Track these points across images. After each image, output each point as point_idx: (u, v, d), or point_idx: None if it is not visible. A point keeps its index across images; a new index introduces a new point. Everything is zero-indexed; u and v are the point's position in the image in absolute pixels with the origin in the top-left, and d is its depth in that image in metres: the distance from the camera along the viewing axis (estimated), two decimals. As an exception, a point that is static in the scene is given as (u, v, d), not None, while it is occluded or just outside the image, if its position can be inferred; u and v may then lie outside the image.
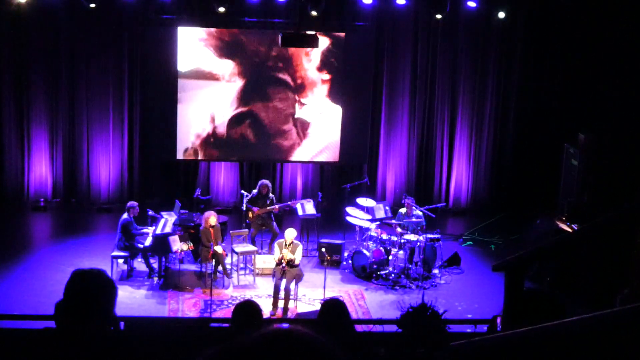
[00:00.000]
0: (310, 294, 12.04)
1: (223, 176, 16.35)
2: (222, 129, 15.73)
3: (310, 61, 15.73)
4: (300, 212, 13.94)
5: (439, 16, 15.07)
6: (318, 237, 13.71)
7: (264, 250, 13.58)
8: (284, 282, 11.43)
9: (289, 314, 11.29)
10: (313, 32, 13.63)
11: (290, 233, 11.69)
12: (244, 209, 13.73)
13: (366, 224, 13.41)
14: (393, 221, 13.45)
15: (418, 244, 12.70)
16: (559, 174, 15.13)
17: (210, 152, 15.83)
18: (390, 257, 12.76)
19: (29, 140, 15.69)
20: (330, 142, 16.00)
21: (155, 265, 12.49)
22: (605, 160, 14.02)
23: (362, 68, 15.99)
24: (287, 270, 11.45)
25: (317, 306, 11.49)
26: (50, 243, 14.24)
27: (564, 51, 16.20)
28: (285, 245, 11.60)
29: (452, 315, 10.47)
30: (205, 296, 11.68)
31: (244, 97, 15.70)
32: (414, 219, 13.24)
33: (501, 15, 15.69)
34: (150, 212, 13.29)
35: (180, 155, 15.75)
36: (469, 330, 9.10)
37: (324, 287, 11.78)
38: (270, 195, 13.73)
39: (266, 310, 11.02)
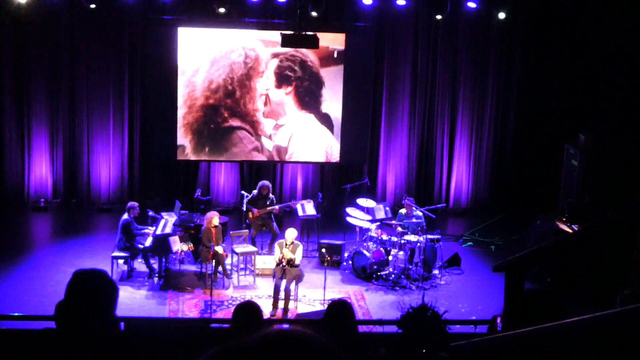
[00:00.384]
0: (310, 295, 12.04)
1: (223, 177, 16.36)
2: (222, 129, 15.72)
3: (310, 61, 15.72)
4: (300, 213, 13.94)
5: (439, 17, 15.08)
6: (318, 237, 13.71)
7: (264, 250, 13.58)
8: (284, 282, 11.43)
9: (289, 315, 11.28)
10: (313, 33, 13.64)
11: (291, 233, 11.69)
12: (244, 209, 13.73)
13: (366, 225, 13.41)
14: (393, 222, 13.45)
15: (418, 244, 12.70)
16: (559, 175, 15.13)
17: (211, 153, 15.82)
18: (391, 258, 12.76)
19: (30, 141, 15.69)
20: (330, 142, 15.99)
21: (156, 266, 12.49)
22: (605, 161, 14.02)
23: (363, 68, 15.99)
24: (287, 270, 11.45)
25: (318, 307, 11.50)
26: (50, 243, 14.24)
27: (564, 51, 16.21)
28: (286, 245, 11.61)
29: (455, 317, 10.50)
30: (206, 297, 11.68)
31: (245, 97, 15.69)
32: (414, 220, 13.24)
33: (501, 15, 15.70)
34: (151, 213, 13.29)
35: (180, 156, 15.75)
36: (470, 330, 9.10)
37: (324, 288, 11.77)
38: (271, 195, 13.73)
39: (266, 310, 11.02)
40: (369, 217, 13.67)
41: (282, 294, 11.42)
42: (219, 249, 12.31)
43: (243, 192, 14.25)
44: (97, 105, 15.77)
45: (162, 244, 12.28)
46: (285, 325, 1.78)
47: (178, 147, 15.61)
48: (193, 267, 12.90)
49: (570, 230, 12.83)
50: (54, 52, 15.48)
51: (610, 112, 15.08)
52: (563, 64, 16.29)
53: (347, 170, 16.47)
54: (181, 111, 15.52)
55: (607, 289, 10.11)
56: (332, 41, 15.64)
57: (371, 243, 13.02)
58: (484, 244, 14.78)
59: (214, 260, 12.27)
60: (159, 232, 12.38)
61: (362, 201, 13.99)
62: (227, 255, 12.59)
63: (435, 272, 13.10)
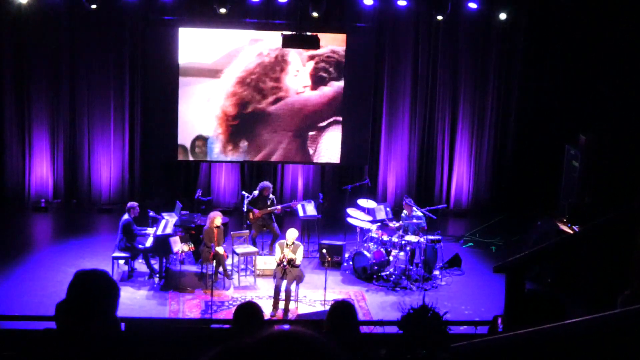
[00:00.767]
0: (311, 295, 12.04)
1: (224, 177, 16.36)
2: (223, 130, 15.74)
3: (311, 62, 15.72)
4: (301, 213, 13.94)
5: (440, 17, 15.07)
6: (319, 238, 13.72)
7: (265, 251, 13.58)
8: (284, 283, 11.43)
9: (290, 315, 11.28)
10: (314, 33, 13.65)
11: (292, 233, 11.69)
12: (245, 210, 13.73)
13: (367, 225, 13.41)
14: (394, 222, 13.45)
15: (419, 245, 12.70)
16: (560, 175, 15.13)
17: (211, 153, 15.83)
18: (391, 259, 12.76)
19: (30, 141, 15.70)
20: (331, 143, 16.00)
21: (156, 266, 12.49)
22: (605, 161, 14.02)
23: (363, 69, 15.99)
24: (288, 270, 11.44)
25: (318, 307, 11.50)
26: (51, 244, 14.24)
27: (565, 52, 16.20)
28: (287, 245, 11.61)
29: (457, 319, 10.50)
30: (206, 297, 11.68)
31: (245, 97, 15.70)
32: (414, 220, 13.24)
33: (502, 16, 15.69)
34: (151, 213, 13.30)
35: (181, 156, 15.76)
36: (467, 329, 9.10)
37: (325, 289, 11.77)
38: (271, 196, 13.73)
39: (267, 311, 11.02)
40: (370, 218, 13.67)
41: (282, 295, 11.42)
42: (220, 249, 12.31)
43: (244, 192, 14.25)
44: (97, 105, 15.78)
45: (162, 244, 12.28)
46: (286, 326, 1.78)
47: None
48: (194, 268, 12.90)
49: (570, 231, 12.83)
50: (55, 52, 15.49)
51: (610, 113, 15.07)
52: (563, 64, 16.29)
53: (348, 171, 16.47)
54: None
55: (608, 290, 10.10)
56: (333, 41, 15.65)
57: (372, 244, 13.02)
58: (484, 244, 14.78)
59: (214, 261, 12.28)
60: (159, 232, 12.38)
61: (362, 202, 13.99)
62: (227, 256, 12.59)
63: (436, 272, 13.10)
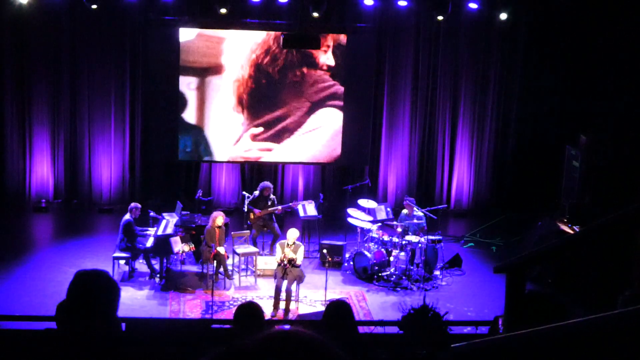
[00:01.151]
0: (311, 296, 12.04)
1: (225, 177, 16.36)
2: (223, 131, 15.74)
3: (311, 62, 15.73)
4: (301, 214, 13.94)
5: (440, 18, 15.06)
6: (319, 238, 13.71)
7: (265, 251, 13.58)
8: (285, 283, 11.42)
9: (290, 316, 11.28)
10: (315, 34, 13.65)
11: (293, 233, 11.69)
12: (246, 210, 13.73)
13: (367, 226, 13.41)
14: (394, 222, 13.45)
15: (419, 245, 12.70)
16: (560, 175, 15.13)
17: (212, 153, 15.83)
18: (392, 259, 12.76)
19: (31, 141, 15.70)
20: (331, 143, 16.00)
21: (157, 267, 12.48)
22: (606, 162, 14.02)
23: (364, 69, 16.00)
24: (288, 270, 11.44)
25: (319, 307, 11.50)
26: (51, 244, 14.24)
27: (565, 52, 16.21)
28: (287, 245, 11.61)
29: (460, 320, 10.49)
30: (207, 297, 11.68)
31: (246, 98, 15.71)
32: (415, 220, 13.24)
33: (503, 16, 15.69)
34: (152, 213, 13.29)
35: (181, 156, 15.76)
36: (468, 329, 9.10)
37: (325, 289, 11.77)
38: (272, 196, 13.73)
39: (267, 311, 11.01)
40: (370, 218, 13.67)
41: (283, 295, 11.41)
42: (221, 249, 12.31)
43: (244, 192, 14.25)
44: (98, 105, 15.79)
45: (163, 244, 12.28)
46: (287, 326, 1.79)
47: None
48: (194, 268, 12.90)
49: (571, 231, 12.83)
50: (55, 52, 15.50)
51: (611, 113, 15.07)
52: (564, 64, 16.29)
53: (348, 171, 16.48)
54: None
55: (609, 290, 10.10)
56: (333, 42, 15.66)
57: (372, 244, 13.02)
58: (485, 244, 14.77)
59: (215, 261, 12.27)
60: (160, 232, 12.38)
61: (363, 202, 13.99)
62: (228, 256, 12.59)
63: (437, 273, 13.09)
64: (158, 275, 12.41)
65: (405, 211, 13.45)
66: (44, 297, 11.05)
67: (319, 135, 15.96)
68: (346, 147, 16.03)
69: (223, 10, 14.48)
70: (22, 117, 15.65)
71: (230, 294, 12.14)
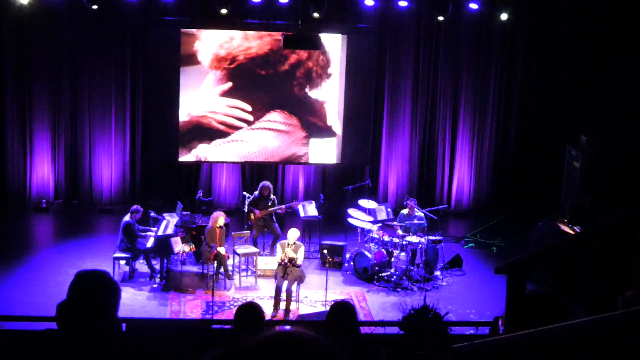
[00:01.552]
0: (311, 296, 12.04)
1: (225, 178, 16.36)
2: (224, 131, 15.73)
3: (312, 63, 15.72)
4: (302, 214, 13.94)
5: (441, 18, 15.06)
6: (320, 238, 13.71)
7: (266, 252, 13.58)
8: (285, 283, 11.42)
9: (291, 316, 11.28)
10: (315, 34, 13.65)
11: (294, 233, 11.69)
12: (246, 210, 13.73)
13: (368, 226, 13.41)
14: (395, 223, 13.45)
15: (420, 245, 12.70)
16: (561, 176, 15.13)
17: (212, 154, 15.83)
18: (392, 259, 12.76)
19: (31, 142, 15.70)
20: (332, 143, 16.00)
21: (157, 267, 12.49)
22: (606, 162, 14.02)
23: (364, 70, 15.99)
24: (289, 269, 11.43)
25: (319, 308, 11.50)
26: (52, 244, 14.24)
27: (566, 53, 16.20)
28: (288, 245, 11.61)
29: (460, 320, 10.48)
30: (207, 298, 11.69)
31: (246, 98, 15.71)
32: (415, 221, 13.24)
33: (503, 16, 15.69)
34: (152, 214, 13.29)
35: (182, 157, 15.76)
36: (471, 331, 9.09)
37: (326, 289, 11.77)
38: (272, 196, 13.73)
39: (268, 312, 11.01)
40: (371, 218, 13.66)
41: (283, 295, 11.42)
42: (222, 250, 12.31)
43: (245, 193, 14.26)
44: (99, 106, 15.78)
45: (163, 245, 12.29)
46: (287, 327, 1.78)
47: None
48: (195, 268, 12.90)
49: (571, 232, 12.83)
50: (56, 53, 15.49)
51: (611, 114, 15.08)
52: (564, 64, 16.29)
53: (349, 172, 16.47)
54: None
55: (609, 291, 10.11)
56: (334, 42, 15.66)
57: (373, 244, 13.02)
58: (485, 245, 14.77)
59: (215, 262, 12.27)
60: (160, 233, 12.38)
61: (363, 202, 13.98)
62: (228, 257, 12.59)
63: (437, 273, 13.09)
64: (158, 276, 12.41)
65: (404, 211, 13.46)
66: (44, 297, 11.05)
67: (319, 136, 15.94)
68: (347, 148, 16.02)
69: (224, 11, 14.47)
70: (22, 117, 15.64)
71: (230, 294, 12.14)
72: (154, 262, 12.53)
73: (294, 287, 11.51)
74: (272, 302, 11.48)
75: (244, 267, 12.84)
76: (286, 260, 11.46)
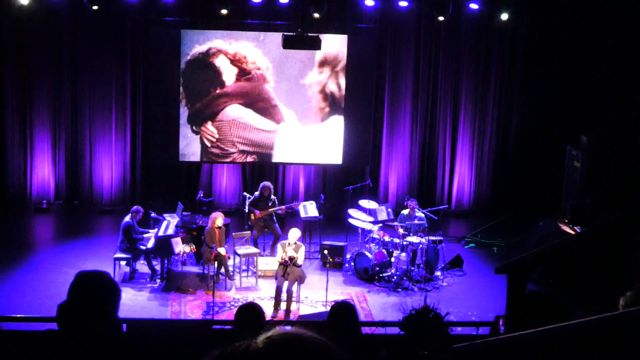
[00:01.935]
0: (312, 296, 12.03)
1: (225, 178, 16.36)
2: (224, 131, 15.74)
3: (312, 63, 15.72)
4: (302, 214, 13.94)
5: (441, 18, 15.05)
6: (320, 239, 13.71)
7: (266, 252, 13.58)
8: (286, 284, 11.42)
9: (291, 316, 11.28)
10: (315, 34, 13.64)
11: (294, 233, 11.69)
12: (246, 211, 13.73)
13: (368, 226, 13.41)
14: (395, 223, 13.45)
15: (420, 246, 12.70)
16: (561, 176, 15.12)
17: (213, 154, 15.83)
18: (393, 259, 12.75)
19: (32, 142, 15.70)
20: (332, 144, 15.99)
21: (158, 267, 12.49)
22: (607, 162, 14.01)
23: (365, 70, 15.99)
24: (289, 269, 11.43)
25: (320, 308, 11.50)
26: (52, 245, 14.24)
27: (566, 53, 16.20)
28: (289, 244, 11.61)
29: (460, 320, 10.48)
30: (208, 298, 11.68)
31: (247, 98, 15.71)
32: (416, 221, 13.24)
33: (503, 17, 15.69)
34: (153, 214, 13.29)
35: (182, 157, 15.77)
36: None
37: (326, 289, 11.77)
38: (272, 197, 13.73)
39: (268, 312, 11.01)
40: (371, 219, 13.66)
41: (284, 296, 11.42)
42: (222, 250, 12.31)
43: (245, 193, 14.26)
44: (99, 106, 15.78)
45: (164, 245, 12.29)
46: (288, 327, 1.78)
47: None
48: (195, 269, 12.90)
49: (572, 232, 12.82)
50: (56, 53, 15.50)
51: (612, 114, 15.07)
52: (565, 64, 16.28)
53: (349, 172, 16.47)
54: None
55: (610, 291, 10.10)
56: (334, 42, 15.65)
57: (373, 244, 13.02)
58: (486, 245, 14.77)
59: (216, 262, 12.27)
60: (161, 233, 12.38)
61: (364, 202, 13.98)
62: (229, 257, 12.59)
63: (438, 273, 13.09)
64: (159, 276, 12.41)
65: (405, 212, 13.46)
66: (44, 298, 11.06)
67: (320, 136, 15.94)
68: (347, 148, 16.02)
69: (224, 11, 14.47)
70: (23, 117, 15.65)
71: (231, 294, 12.14)
72: (154, 262, 12.53)
73: (294, 288, 11.51)
74: (272, 302, 11.48)
75: (244, 267, 12.84)
76: (286, 259, 11.46)
